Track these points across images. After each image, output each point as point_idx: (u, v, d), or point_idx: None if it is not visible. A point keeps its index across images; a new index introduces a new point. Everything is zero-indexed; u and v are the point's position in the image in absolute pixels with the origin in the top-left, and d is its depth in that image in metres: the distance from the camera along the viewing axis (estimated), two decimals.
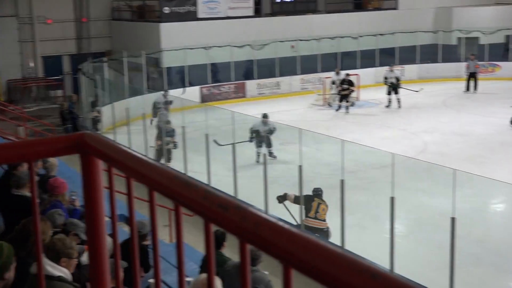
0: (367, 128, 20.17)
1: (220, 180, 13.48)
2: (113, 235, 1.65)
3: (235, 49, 25.57)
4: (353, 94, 23.47)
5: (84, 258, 4.87)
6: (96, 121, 20.01)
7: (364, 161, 15.18)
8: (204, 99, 24.76)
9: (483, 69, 27.66)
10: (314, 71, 27.13)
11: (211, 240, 1.25)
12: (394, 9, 30.74)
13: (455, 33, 30.24)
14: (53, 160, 8.33)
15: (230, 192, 12.47)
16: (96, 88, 21.68)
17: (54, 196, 7.03)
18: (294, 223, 10.79)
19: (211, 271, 1.29)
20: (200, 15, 26.28)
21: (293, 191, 11.29)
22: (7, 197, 6.44)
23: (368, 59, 28.10)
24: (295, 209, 10.99)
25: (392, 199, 9.46)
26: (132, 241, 1.61)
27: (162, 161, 15.32)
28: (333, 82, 24.04)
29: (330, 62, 27.05)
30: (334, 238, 10.47)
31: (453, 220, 8.61)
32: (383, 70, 26.44)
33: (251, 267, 6.20)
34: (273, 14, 29.97)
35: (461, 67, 27.75)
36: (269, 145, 16.01)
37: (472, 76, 26.23)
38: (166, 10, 25.74)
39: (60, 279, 4.29)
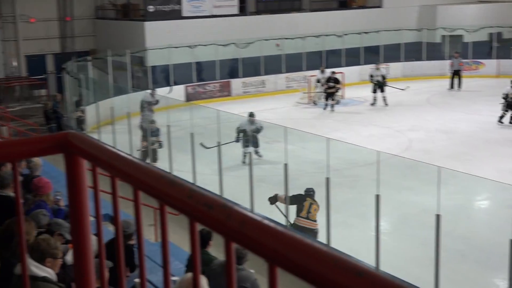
0: (352, 126, 20.23)
1: (206, 179, 13.47)
2: (98, 234, 1.65)
3: (220, 48, 25.53)
4: (339, 92, 23.54)
5: (69, 258, 4.84)
6: (80, 121, 19.90)
7: (350, 159, 15.23)
8: (189, 98, 24.71)
9: (467, 67, 27.82)
10: (299, 69, 27.16)
11: (196, 239, 1.25)
12: (379, 7, 30.85)
13: (439, 31, 30.39)
14: (37, 160, 8.29)
15: (216, 191, 12.45)
16: (80, 87, 21.57)
17: (38, 196, 6.99)
18: (287, 223, 10.76)
19: (197, 270, 1.29)
20: (184, 14, 26.23)
21: (280, 190, 11.31)
22: None
23: (353, 57, 28.17)
24: (290, 209, 10.92)
25: (378, 196, 9.50)
26: (117, 240, 1.61)
27: (148, 161, 15.25)
28: (318, 81, 24.08)
29: (315, 60, 27.08)
30: (320, 236, 10.49)
31: (438, 217, 8.65)
32: (368, 68, 26.52)
33: (237, 266, 6.20)
34: (257, 12, 29.96)
35: (445, 65, 27.87)
36: (256, 144, 15.90)
37: (456, 74, 26.37)
38: (151, 8, 25.67)
39: (44, 279, 4.26)
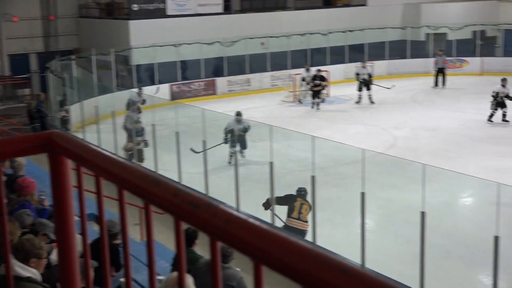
0: (338, 124, 20.28)
1: (191, 178, 13.44)
2: (82, 234, 1.64)
3: (205, 46, 25.49)
4: (325, 90, 23.57)
5: (54, 257, 4.82)
6: (65, 120, 19.79)
7: (335, 157, 15.26)
8: (174, 96, 24.66)
9: (451, 64, 27.98)
10: (284, 67, 27.19)
11: (181, 238, 1.25)
12: (363, 5, 30.94)
13: (423, 29, 30.53)
14: (20, 160, 8.24)
15: (202, 190, 12.43)
16: (64, 87, 21.44)
17: (22, 196, 6.95)
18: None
19: (182, 269, 1.29)
20: (169, 12, 26.17)
21: (265, 188, 11.29)
22: None
23: (337, 55, 28.25)
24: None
25: (363, 194, 9.53)
26: (102, 240, 1.60)
27: (134, 161, 15.17)
28: (303, 79, 24.12)
29: (300, 58, 27.13)
30: (306, 235, 10.49)
31: (422, 214, 8.70)
32: (352, 66, 26.60)
33: (223, 264, 6.20)
34: (242, 11, 29.96)
35: (429, 63, 28.02)
36: (243, 145, 15.69)
37: (441, 71, 26.51)
38: (135, 7, 25.58)
39: (29, 280, 4.24)
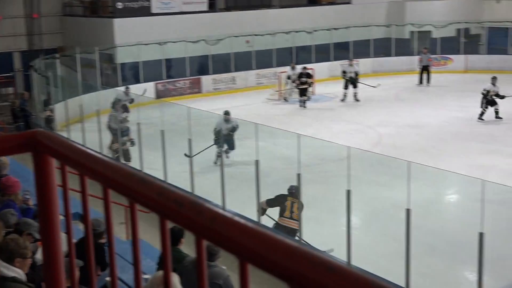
0: (323, 122, 20.33)
1: (177, 177, 13.41)
2: (67, 233, 1.63)
3: (190, 45, 25.45)
4: (310, 88, 23.59)
5: (39, 256, 4.80)
6: (49, 120, 19.66)
7: (321, 155, 15.30)
8: (159, 95, 24.60)
9: (436, 62, 28.12)
10: (270, 65, 27.20)
11: (167, 236, 1.24)
12: (348, 3, 31.01)
13: (407, 27, 30.66)
14: (4, 159, 8.18)
15: (188, 188, 12.41)
16: (49, 85, 21.32)
17: (6, 195, 6.91)
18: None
19: (168, 267, 1.28)
20: (154, 11, 26.08)
21: (251, 186, 11.29)
22: None
23: (322, 53, 28.31)
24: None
25: (348, 192, 9.55)
26: (87, 239, 1.59)
27: (122, 161, 15.09)
28: (289, 77, 24.14)
29: (285, 56, 27.15)
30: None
31: (408, 211, 8.73)
32: (337, 64, 26.67)
33: (209, 263, 6.20)
34: (227, 9, 29.93)
35: (414, 61, 28.16)
36: (231, 146, 15.52)
37: (425, 69, 26.64)
38: (119, 5, 25.47)
39: (14, 279, 4.22)
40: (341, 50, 28.50)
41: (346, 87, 23.65)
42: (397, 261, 8.95)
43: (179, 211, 1.15)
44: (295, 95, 23.52)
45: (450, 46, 29.62)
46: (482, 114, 19.73)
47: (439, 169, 11.57)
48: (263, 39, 27.07)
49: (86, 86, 21.98)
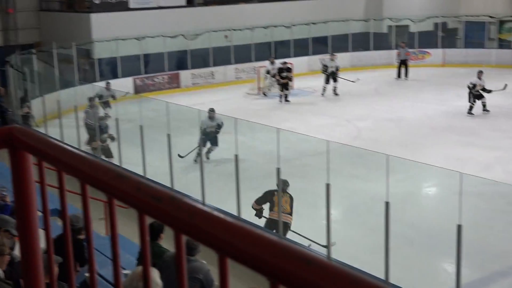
0: (302, 116, 20.36)
1: (157, 172, 13.37)
2: (45, 229, 1.62)
3: (168, 39, 25.35)
4: (290, 82, 23.60)
5: (17, 252, 4.76)
6: (27, 117, 19.46)
7: (300, 149, 15.33)
8: (138, 90, 24.48)
9: (414, 56, 28.28)
10: (248, 60, 27.17)
11: (145, 232, 1.24)
12: None
13: (385, 21, 30.80)
14: None
15: (167, 183, 12.37)
16: (25, 81, 21.13)
17: None
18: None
19: (147, 263, 1.28)
20: (131, 5, 25.92)
21: (230, 181, 11.28)
22: None
23: (301, 48, 28.34)
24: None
25: (328, 185, 9.58)
26: (65, 235, 1.58)
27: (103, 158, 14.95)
28: (268, 72, 24.14)
29: (264, 51, 27.15)
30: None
31: (387, 204, 8.79)
32: (316, 59, 26.73)
33: (189, 257, 6.20)
34: (205, 3, 29.80)
35: (392, 55, 28.30)
36: (214, 142, 15.30)
37: (403, 63, 26.78)
38: (97, 0, 25.28)
39: None
40: (320, 45, 28.56)
41: (327, 82, 23.70)
42: (377, 253, 9.01)
43: (158, 206, 1.15)
44: (275, 90, 23.52)
45: (427, 40, 29.80)
46: (471, 108, 19.63)
47: (418, 162, 11.65)
48: (241, 34, 27.04)
49: (64, 82, 21.80)
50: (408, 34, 29.96)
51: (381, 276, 8.52)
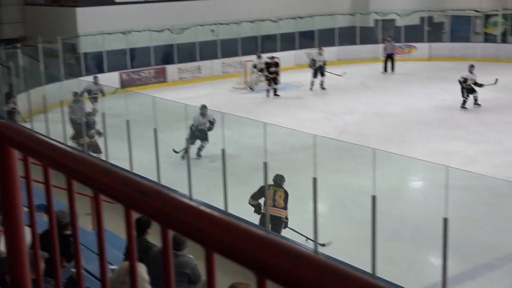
0: (289, 110, 20.37)
1: (143, 167, 13.33)
2: (31, 225, 1.61)
3: (154, 34, 25.26)
4: (278, 77, 23.58)
5: (3, 249, 4.73)
6: (13, 113, 19.30)
7: (287, 143, 15.34)
8: (124, 84, 24.38)
9: (400, 50, 28.37)
10: (235, 54, 27.14)
11: (132, 227, 1.24)
12: None
13: (372, 15, 30.85)
14: None
15: (154, 178, 12.33)
16: (10, 76, 20.98)
17: None
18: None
19: (133, 258, 1.28)
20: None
21: (217, 175, 11.26)
22: None
23: (288, 42, 28.34)
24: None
25: (315, 179, 9.59)
26: (51, 231, 1.57)
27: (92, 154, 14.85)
28: (255, 66, 24.12)
29: (251, 45, 27.13)
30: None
31: (373, 198, 8.81)
32: (303, 53, 26.73)
33: (176, 252, 6.19)
34: None
35: (378, 49, 28.37)
36: (205, 138, 15.17)
37: (390, 57, 26.85)
38: None
39: None
40: (306, 39, 28.56)
41: (315, 76, 23.72)
42: (364, 247, 9.04)
43: (144, 201, 1.15)
44: (261, 84, 23.51)
45: (414, 34, 29.89)
46: (464, 102, 19.61)
47: (404, 156, 11.70)
48: (228, 28, 27.00)
49: (49, 76, 21.67)
50: (394, 28, 30.04)
51: (368, 269, 8.55)
